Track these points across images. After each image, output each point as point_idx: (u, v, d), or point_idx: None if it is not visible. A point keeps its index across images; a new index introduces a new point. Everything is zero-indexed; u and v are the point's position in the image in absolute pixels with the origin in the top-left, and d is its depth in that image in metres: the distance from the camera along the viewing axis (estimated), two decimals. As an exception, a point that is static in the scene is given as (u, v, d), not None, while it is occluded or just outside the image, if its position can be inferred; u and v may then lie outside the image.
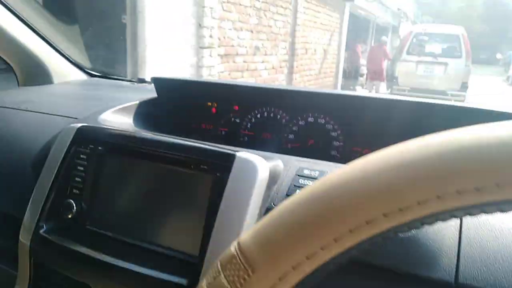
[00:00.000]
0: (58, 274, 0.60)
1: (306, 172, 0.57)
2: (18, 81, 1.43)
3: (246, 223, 0.51)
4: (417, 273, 0.44)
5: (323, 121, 0.93)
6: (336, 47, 7.93)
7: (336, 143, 0.92)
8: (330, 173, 0.24)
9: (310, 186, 0.24)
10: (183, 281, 0.51)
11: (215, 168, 0.55)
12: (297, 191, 0.55)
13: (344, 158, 0.91)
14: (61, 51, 1.40)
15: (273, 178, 0.56)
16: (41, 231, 0.61)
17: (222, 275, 0.25)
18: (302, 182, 0.56)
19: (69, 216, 0.61)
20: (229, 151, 0.55)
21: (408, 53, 8.55)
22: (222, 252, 0.51)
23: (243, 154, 0.55)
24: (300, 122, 0.95)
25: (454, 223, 0.47)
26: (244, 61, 4.70)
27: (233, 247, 0.26)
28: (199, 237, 0.54)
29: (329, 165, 0.60)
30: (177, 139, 0.61)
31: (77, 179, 0.63)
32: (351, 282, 0.47)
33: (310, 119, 0.94)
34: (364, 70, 9.14)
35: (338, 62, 8.15)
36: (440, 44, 8.77)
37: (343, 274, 0.35)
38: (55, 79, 1.40)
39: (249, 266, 0.24)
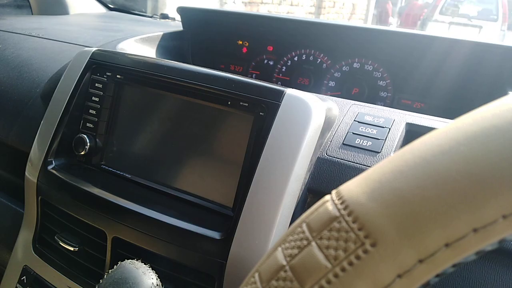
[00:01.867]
0: (70, 217, 0.52)
1: (367, 118, 0.47)
2: (32, 10, 1.33)
3: (294, 174, 0.41)
4: None
5: (370, 67, 0.81)
6: (365, 3, 7.48)
7: (383, 94, 0.81)
8: None
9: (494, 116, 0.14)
10: (216, 235, 0.43)
11: (258, 106, 0.44)
12: (357, 140, 0.45)
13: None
14: (78, -22, 1.27)
15: (328, 123, 0.46)
16: (49, 167, 0.53)
17: (315, 245, 0.16)
18: (363, 130, 0.46)
19: (82, 153, 0.52)
20: (277, 87, 0.45)
21: (441, 13, 8.04)
22: (261, 205, 0.43)
23: (294, 91, 0.44)
24: (344, 68, 0.83)
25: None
26: (269, 11, 4.45)
27: (330, 204, 0.16)
28: (234, 187, 0.45)
29: (394, 112, 0.49)
30: (211, 69, 0.51)
31: (91, 111, 0.54)
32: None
33: (356, 65, 0.83)
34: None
35: (366, 18, 7.72)
36: (476, 5, 8.21)
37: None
38: (71, 10, 1.29)
39: (366, 237, 0.14)
